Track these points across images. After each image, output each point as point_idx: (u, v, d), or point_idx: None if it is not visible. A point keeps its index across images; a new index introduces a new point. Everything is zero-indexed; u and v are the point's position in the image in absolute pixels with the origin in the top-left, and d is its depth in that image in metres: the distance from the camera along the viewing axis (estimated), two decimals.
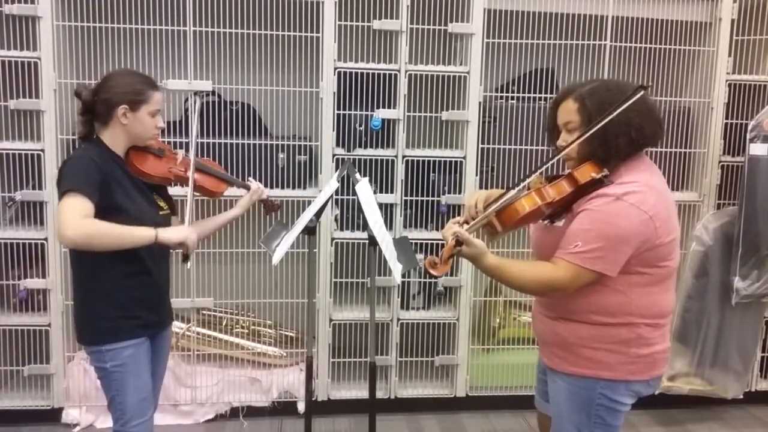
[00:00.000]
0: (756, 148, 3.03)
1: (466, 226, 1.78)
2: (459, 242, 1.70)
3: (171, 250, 2.16)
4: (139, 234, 1.89)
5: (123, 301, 2.00)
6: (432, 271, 1.71)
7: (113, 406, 2.04)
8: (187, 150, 2.23)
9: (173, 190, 2.31)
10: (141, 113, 2.00)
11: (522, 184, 1.81)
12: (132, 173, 2.05)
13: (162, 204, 2.14)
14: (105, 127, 2.01)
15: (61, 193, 1.85)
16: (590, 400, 1.84)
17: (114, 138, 2.01)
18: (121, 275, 1.99)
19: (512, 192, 1.80)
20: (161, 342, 2.20)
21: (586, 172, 1.77)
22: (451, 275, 3.25)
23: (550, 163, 1.88)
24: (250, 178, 2.42)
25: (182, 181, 2.18)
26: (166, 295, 2.21)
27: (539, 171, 1.84)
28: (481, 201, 1.90)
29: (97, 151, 1.97)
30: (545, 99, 3.16)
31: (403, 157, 3.10)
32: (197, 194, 2.28)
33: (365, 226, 2.31)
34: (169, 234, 1.95)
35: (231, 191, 2.39)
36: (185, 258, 2.03)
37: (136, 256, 1.98)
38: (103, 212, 1.88)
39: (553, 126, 1.90)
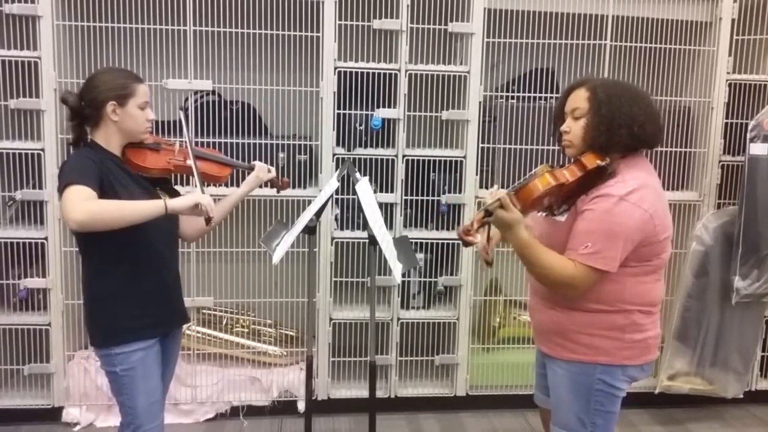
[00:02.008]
0: (756, 148, 3.03)
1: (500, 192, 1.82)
2: (489, 213, 1.74)
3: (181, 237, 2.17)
4: (148, 206, 1.85)
5: (131, 301, 1.99)
6: (467, 238, 1.77)
7: (123, 410, 2.03)
8: (183, 143, 2.19)
9: (182, 190, 2.28)
10: (130, 107, 1.97)
11: (532, 172, 1.91)
12: (131, 170, 2.03)
13: (166, 198, 2.09)
14: (97, 129, 1.99)
15: (62, 189, 1.82)
16: (589, 386, 1.92)
17: (108, 137, 1.99)
18: (128, 276, 1.98)
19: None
20: (171, 343, 2.19)
21: (593, 159, 1.87)
22: (451, 275, 3.26)
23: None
24: (255, 161, 2.38)
25: (183, 171, 2.15)
26: (176, 295, 2.19)
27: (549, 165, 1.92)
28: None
29: (91, 153, 1.96)
30: (545, 99, 3.17)
31: (404, 156, 3.10)
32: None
33: (365, 226, 2.31)
34: (180, 202, 1.90)
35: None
36: (208, 220, 1.97)
37: (142, 257, 1.98)
38: None
39: (560, 113, 2.00)
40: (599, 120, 1.85)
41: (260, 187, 2.36)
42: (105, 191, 1.88)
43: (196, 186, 2.09)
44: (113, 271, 1.97)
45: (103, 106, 1.95)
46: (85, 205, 1.77)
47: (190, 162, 2.10)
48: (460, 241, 1.88)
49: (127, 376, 1.98)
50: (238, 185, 2.36)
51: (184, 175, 2.23)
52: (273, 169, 2.37)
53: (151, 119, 2.04)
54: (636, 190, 1.81)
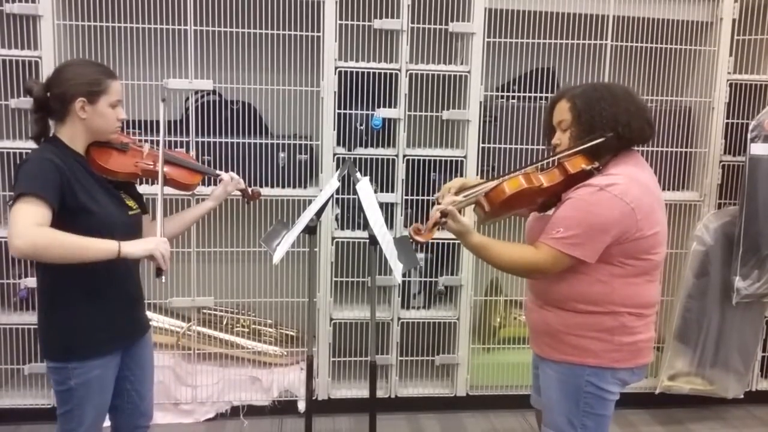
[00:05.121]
0: (757, 148, 3.03)
1: (456, 199, 1.86)
2: (444, 214, 1.78)
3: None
4: (100, 248, 1.73)
5: (92, 313, 1.88)
6: (417, 237, 1.82)
7: (67, 416, 1.90)
8: (154, 144, 2.06)
9: (144, 189, 2.14)
10: (100, 105, 1.84)
11: (516, 173, 1.92)
12: (95, 172, 1.90)
13: (131, 203, 1.99)
14: (62, 124, 1.86)
15: (15, 196, 1.69)
16: (578, 387, 1.92)
17: (73, 135, 1.86)
18: (89, 286, 1.86)
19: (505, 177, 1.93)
20: (139, 351, 2.07)
21: (578, 163, 1.87)
22: (452, 275, 3.26)
23: (548, 160, 1.98)
24: (222, 173, 2.25)
25: (151, 176, 2.02)
26: (139, 306, 2.08)
27: (535, 166, 1.97)
28: (455, 188, 2.02)
29: (54, 151, 1.81)
30: (546, 98, 3.16)
31: (404, 156, 3.10)
32: (171, 189, 2.12)
33: (366, 226, 2.31)
34: (135, 247, 1.77)
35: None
36: (158, 272, 1.83)
37: (105, 266, 1.80)
38: (69, 214, 1.76)
39: (549, 126, 2.02)
40: (582, 128, 1.88)
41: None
42: (66, 202, 1.76)
43: (157, 183, 1.97)
44: (73, 281, 1.84)
45: (71, 102, 1.82)
46: (33, 233, 1.65)
47: (160, 167, 1.98)
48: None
49: (82, 388, 1.87)
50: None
51: (151, 179, 2.08)
52: (241, 180, 2.25)
53: (121, 119, 1.92)
54: (619, 183, 1.81)
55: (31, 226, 1.66)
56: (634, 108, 1.89)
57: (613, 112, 1.85)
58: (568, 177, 1.87)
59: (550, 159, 1.96)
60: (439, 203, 1.95)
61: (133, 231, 1.95)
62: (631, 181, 1.82)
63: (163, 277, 1.86)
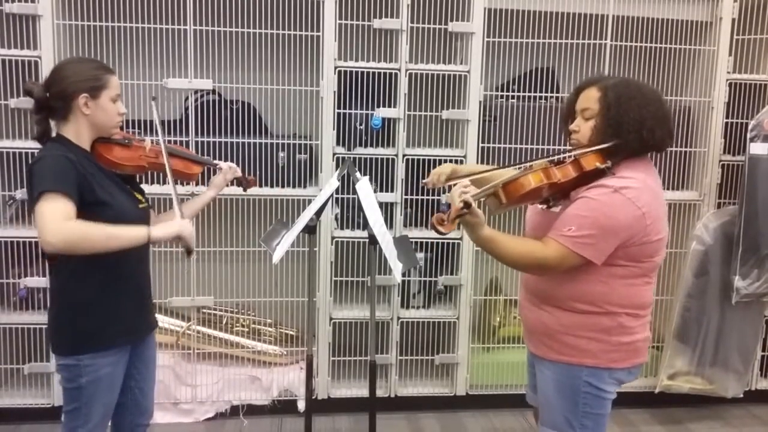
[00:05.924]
0: (756, 148, 3.03)
1: (472, 192, 1.78)
2: (468, 205, 1.71)
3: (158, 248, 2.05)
4: (131, 235, 1.77)
5: (106, 308, 1.91)
6: (440, 228, 1.72)
7: (74, 414, 1.91)
8: (154, 140, 2.09)
9: (147, 189, 2.17)
10: (102, 100, 1.87)
11: (528, 164, 1.91)
12: (103, 166, 1.93)
13: (140, 197, 2.03)
14: (65, 122, 1.87)
15: (37, 195, 1.71)
16: (576, 388, 1.90)
17: (78, 131, 1.88)
18: (104, 282, 1.89)
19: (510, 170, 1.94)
20: (146, 349, 2.09)
21: (592, 161, 1.84)
22: (451, 274, 3.26)
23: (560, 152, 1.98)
24: (220, 162, 2.31)
25: (157, 168, 2.07)
26: (149, 301, 2.11)
27: (547, 160, 1.93)
28: (445, 174, 2.13)
29: (63, 149, 1.83)
30: (545, 98, 3.17)
31: (404, 156, 3.10)
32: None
33: (365, 225, 2.31)
34: (163, 231, 1.82)
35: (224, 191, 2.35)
36: (188, 252, 1.89)
37: (115, 261, 1.85)
38: (87, 208, 1.78)
39: (569, 112, 1.97)
40: (608, 123, 1.83)
41: (228, 185, 2.31)
42: (84, 196, 1.79)
43: (169, 183, 2.02)
44: (89, 277, 1.87)
45: (73, 99, 1.83)
46: (65, 228, 1.68)
47: (164, 159, 2.02)
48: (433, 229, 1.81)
49: (92, 386, 1.89)
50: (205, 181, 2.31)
51: (155, 173, 2.15)
52: (238, 169, 2.30)
53: (122, 113, 1.94)
54: (633, 188, 1.78)
55: (61, 221, 1.69)
56: (661, 114, 1.85)
57: (641, 114, 1.81)
58: (581, 174, 1.84)
59: (561, 155, 1.95)
60: (428, 187, 2.09)
61: (145, 224, 1.97)
62: (643, 186, 1.80)
63: (193, 255, 1.91)
